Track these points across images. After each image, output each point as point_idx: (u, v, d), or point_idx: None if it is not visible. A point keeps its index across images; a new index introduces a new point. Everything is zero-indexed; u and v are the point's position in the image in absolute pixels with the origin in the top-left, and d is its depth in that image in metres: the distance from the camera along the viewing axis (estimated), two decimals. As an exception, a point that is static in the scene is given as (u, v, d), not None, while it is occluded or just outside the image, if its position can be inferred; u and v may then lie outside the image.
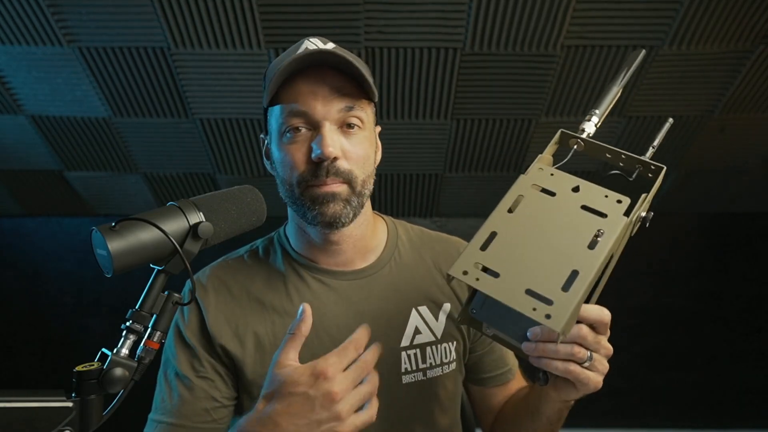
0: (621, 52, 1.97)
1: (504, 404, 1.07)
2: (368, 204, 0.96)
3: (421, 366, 0.95)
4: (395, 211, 2.86)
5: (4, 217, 2.92)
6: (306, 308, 0.73)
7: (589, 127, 0.76)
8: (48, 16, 1.81)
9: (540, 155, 0.74)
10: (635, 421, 2.90)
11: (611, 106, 0.79)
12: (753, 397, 2.94)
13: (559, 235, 0.64)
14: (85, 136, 2.36)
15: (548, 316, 0.57)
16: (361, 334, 0.70)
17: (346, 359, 0.68)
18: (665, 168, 0.70)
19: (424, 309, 0.96)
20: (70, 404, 0.58)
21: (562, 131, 0.75)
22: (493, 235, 0.65)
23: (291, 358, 0.70)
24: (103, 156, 2.48)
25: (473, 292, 0.74)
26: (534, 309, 0.58)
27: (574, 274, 0.60)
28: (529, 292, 0.59)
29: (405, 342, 0.94)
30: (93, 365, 0.60)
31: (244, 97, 2.15)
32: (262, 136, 0.96)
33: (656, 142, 0.75)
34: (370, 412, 0.70)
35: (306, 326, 0.72)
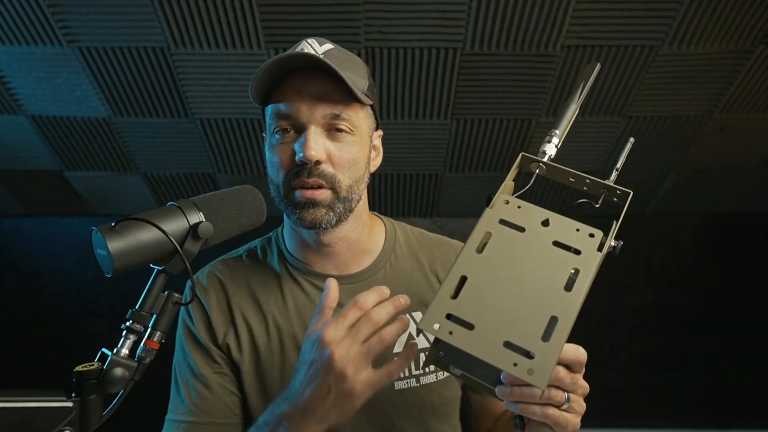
0: (621, 52, 1.97)
1: (500, 415, 1.05)
2: (363, 206, 0.95)
3: (414, 372, 0.93)
4: (395, 211, 2.86)
5: (4, 217, 2.92)
6: (331, 283, 0.74)
7: (550, 149, 0.72)
8: (48, 16, 1.81)
9: (503, 183, 0.70)
10: (635, 421, 2.89)
11: (570, 124, 0.75)
12: (753, 397, 2.94)
13: (533, 277, 0.60)
14: (85, 136, 2.36)
15: (530, 372, 0.54)
16: (366, 296, 0.70)
17: (345, 321, 0.68)
18: (632, 193, 0.67)
19: (418, 315, 0.95)
20: (70, 404, 0.58)
21: (523, 155, 0.72)
22: (463, 279, 0.61)
23: (315, 330, 0.70)
24: (103, 156, 2.48)
25: None
26: (515, 364, 0.55)
27: (554, 320, 0.57)
28: (507, 344, 0.56)
29: (398, 348, 0.93)
30: (93, 365, 0.60)
31: (244, 97, 2.15)
32: (264, 135, 0.96)
33: (619, 164, 0.71)
34: (389, 369, 0.69)
35: (331, 300, 0.73)
